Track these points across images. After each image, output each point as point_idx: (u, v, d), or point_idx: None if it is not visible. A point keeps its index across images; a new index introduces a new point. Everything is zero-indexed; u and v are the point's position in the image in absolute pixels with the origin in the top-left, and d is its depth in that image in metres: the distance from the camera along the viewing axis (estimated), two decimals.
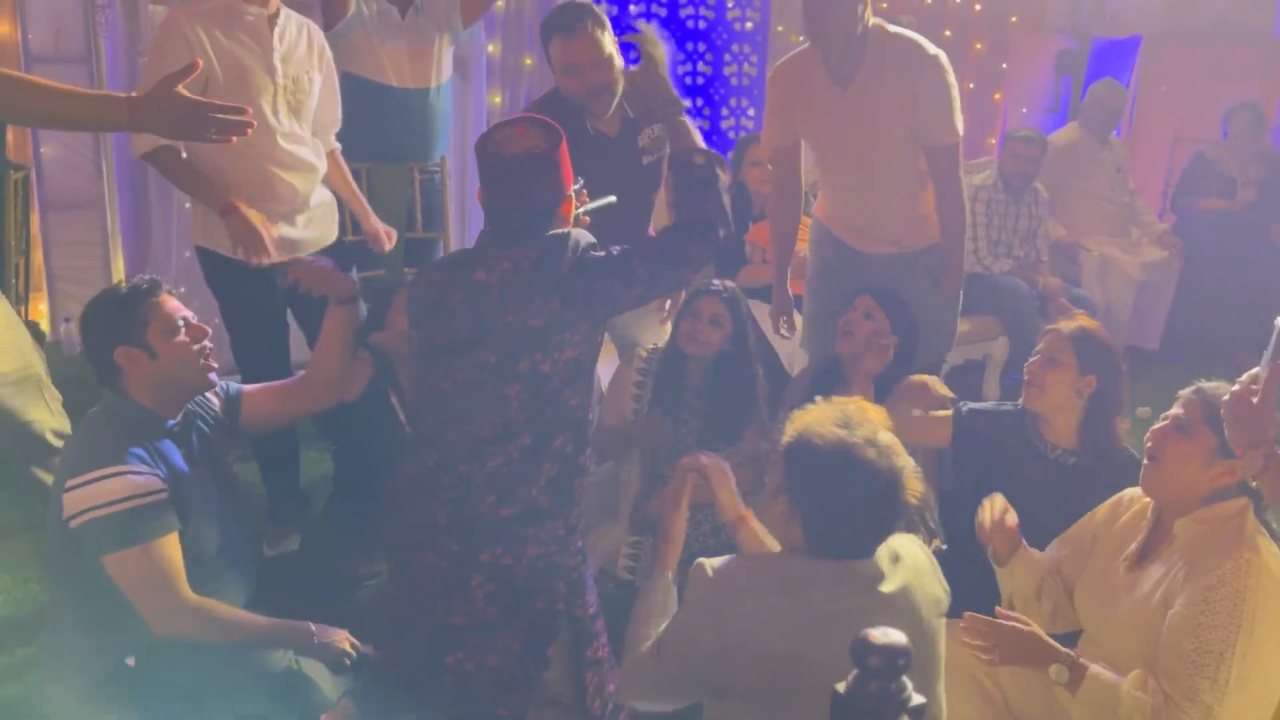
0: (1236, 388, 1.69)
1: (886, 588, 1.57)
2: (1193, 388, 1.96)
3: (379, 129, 3.53)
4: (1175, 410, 1.95)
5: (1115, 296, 4.86)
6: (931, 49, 2.77)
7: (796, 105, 2.92)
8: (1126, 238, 5.06)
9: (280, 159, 2.85)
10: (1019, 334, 4.38)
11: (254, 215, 2.73)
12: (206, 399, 2.22)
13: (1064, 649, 1.85)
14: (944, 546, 2.82)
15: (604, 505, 2.92)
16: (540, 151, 1.94)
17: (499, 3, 4.82)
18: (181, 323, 2.05)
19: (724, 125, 5.57)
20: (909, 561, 1.64)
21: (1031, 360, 2.42)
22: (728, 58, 5.68)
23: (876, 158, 2.86)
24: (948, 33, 5.61)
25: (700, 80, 5.52)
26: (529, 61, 5.04)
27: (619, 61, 2.80)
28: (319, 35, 3.00)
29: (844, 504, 1.54)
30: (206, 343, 2.08)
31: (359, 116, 3.57)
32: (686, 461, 1.99)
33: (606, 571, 2.80)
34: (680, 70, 5.37)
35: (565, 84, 2.78)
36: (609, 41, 2.77)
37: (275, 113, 2.81)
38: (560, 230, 1.99)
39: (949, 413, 2.57)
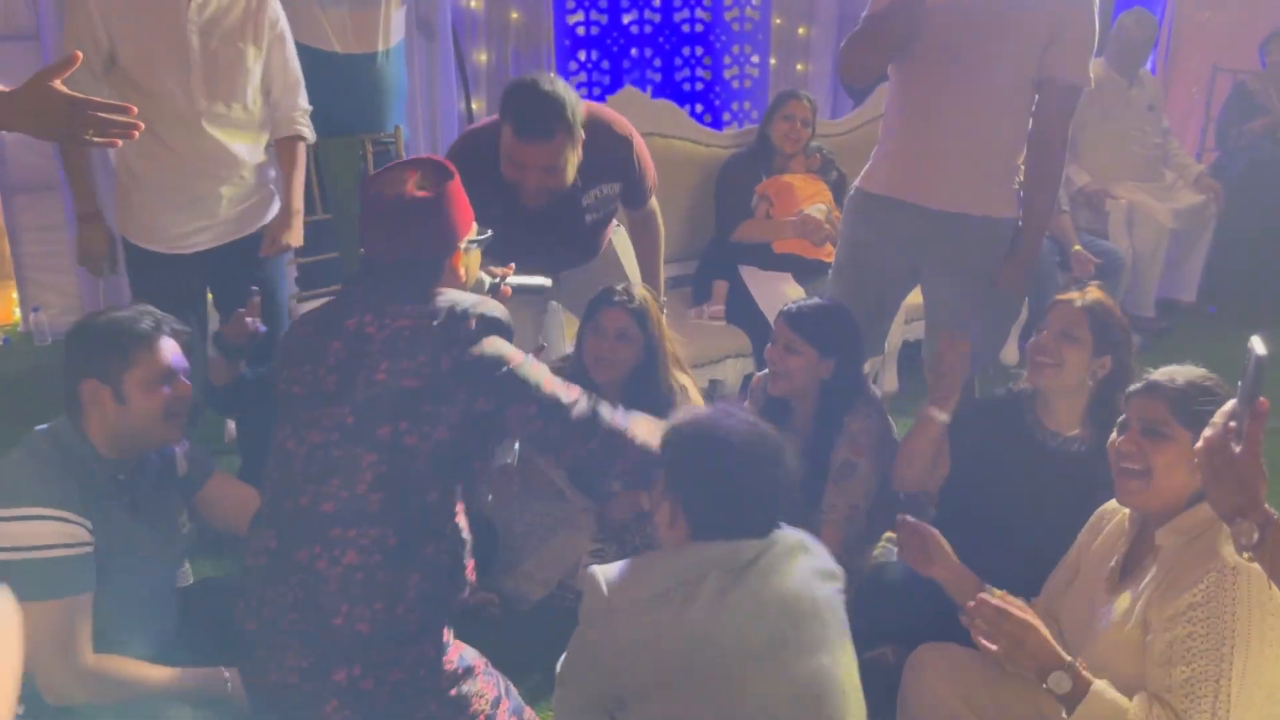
0: (1210, 433, 1.35)
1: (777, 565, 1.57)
2: (1142, 384, 1.72)
3: (323, 99, 3.26)
4: (1133, 415, 1.71)
5: (1145, 247, 4.49)
6: None
7: None
8: (1159, 182, 4.67)
9: (199, 145, 2.58)
10: (1039, 292, 4.04)
11: (102, 238, 2.61)
12: (172, 453, 2.04)
13: (1068, 656, 1.62)
14: None
15: (560, 512, 2.69)
16: (422, 198, 1.71)
17: None
18: (163, 378, 1.88)
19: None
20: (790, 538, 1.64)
21: (1041, 334, 2.19)
22: (728, 60, 5.40)
23: (991, 71, 2.43)
24: None
25: (699, 86, 5.21)
26: (515, 16, 4.76)
27: (573, 168, 2.41)
28: (266, 1, 2.65)
29: (724, 478, 1.57)
30: (188, 402, 1.93)
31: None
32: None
33: (566, 583, 2.58)
34: (678, 77, 5.08)
35: (505, 169, 2.40)
36: (570, 151, 2.36)
37: (189, 93, 2.53)
38: (474, 296, 1.73)
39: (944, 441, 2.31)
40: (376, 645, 1.62)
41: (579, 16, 5.26)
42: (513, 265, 2.12)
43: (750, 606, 1.51)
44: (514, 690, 1.85)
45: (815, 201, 3.67)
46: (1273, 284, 4.67)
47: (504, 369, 1.67)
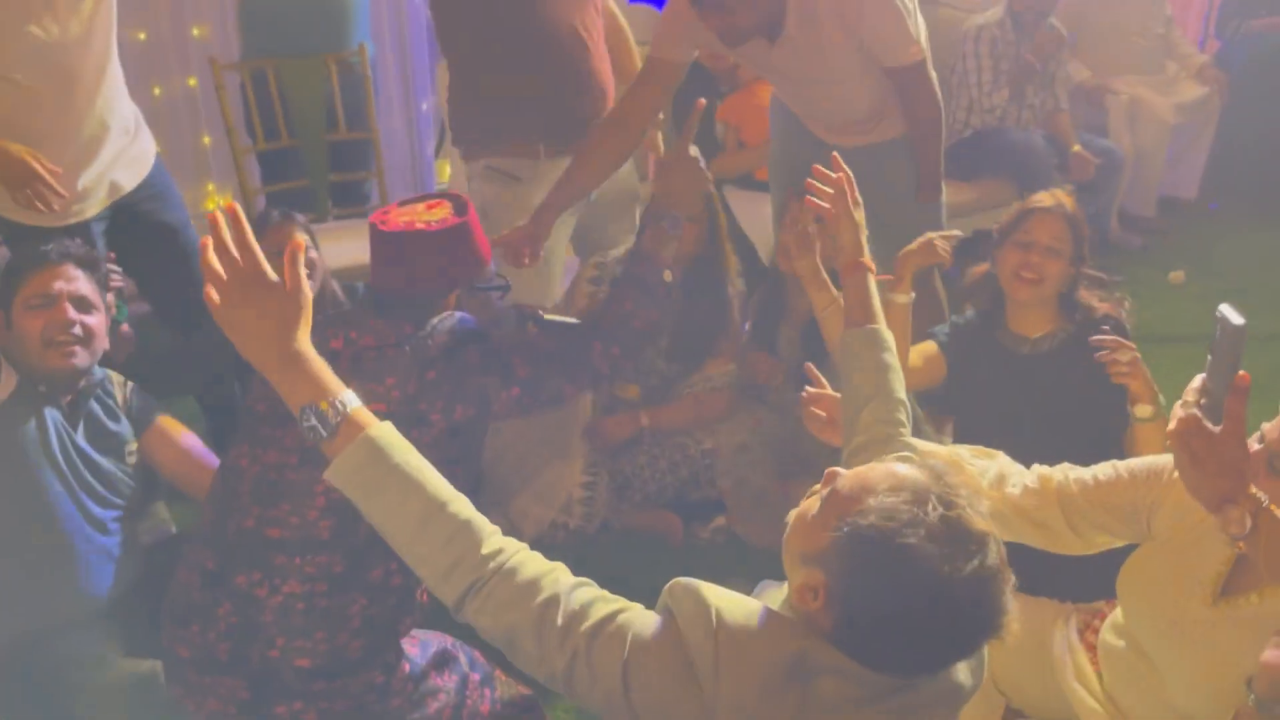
0: (1183, 413, 1.18)
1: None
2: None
3: (280, 16, 3.10)
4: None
5: (1146, 143, 4.33)
6: None
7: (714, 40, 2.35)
8: (1160, 75, 4.48)
9: (62, 79, 2.21)
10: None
11: (16, 148, 2.16)
12: (111, 400, 2.00)
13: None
14: None
15: (552, 441, 2.61)
16: (430, 232, 1.64)
17: None
18: (41, 302, 1.87)
19: None
20: None
21: (1023, 252, 2.11)
22: None
23: (828, 80, 2.42)
24: None
25: None
26: None
27: None
28: None
29: (913, 629, 1.08)
30: (74, 331, 1.87)
31: (256, 3, 3.15)
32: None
33: (558, 522, 2.52)
34: None
35: None
36: None
37: (42, 15, 2.14)
38: (445, 314, 1.66)
39: (934, 347, 2.22)
40: (320, 677, 1.53)
41: None
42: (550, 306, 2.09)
43: None
44: (480, 659, 1.78)
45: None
46: (1276, 178, 4.53)
47: (479, 371, 1.59)
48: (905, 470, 1.13)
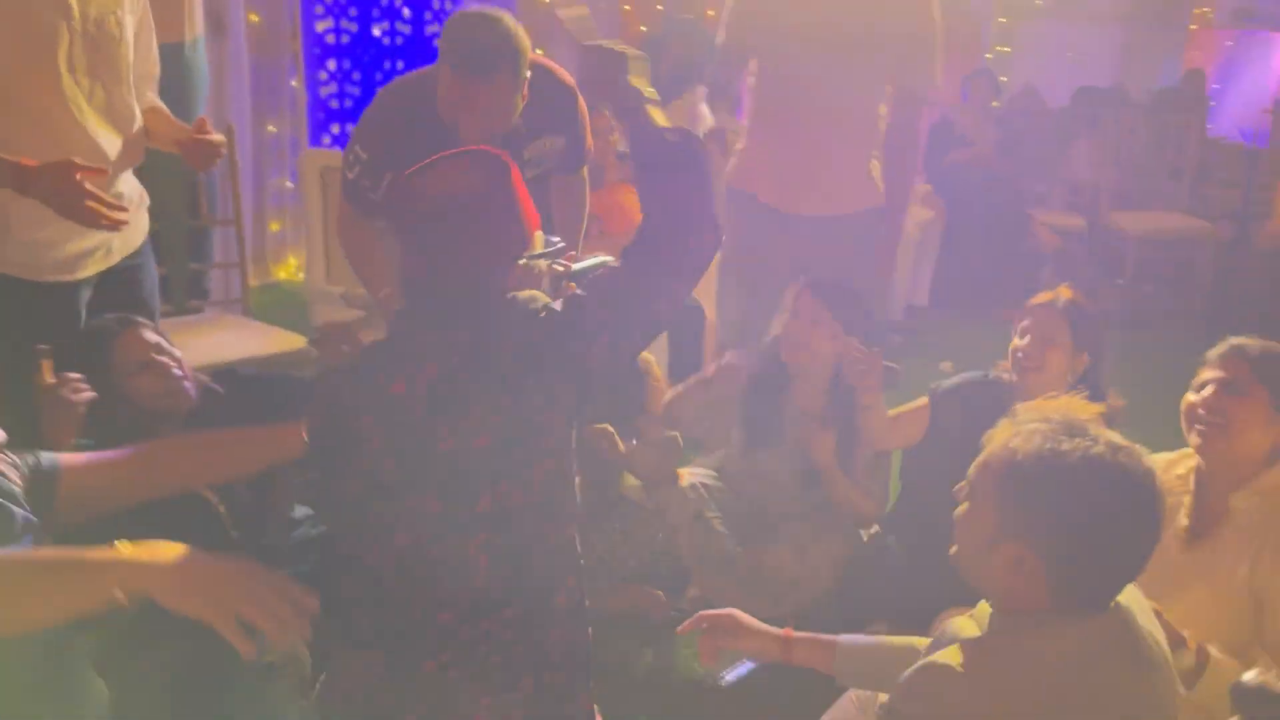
0: None
1: (1140, 631, 1.27)
2: (1226, 345, 1.85)
3: None
4: (1214, 374, 1.84)
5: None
6: None
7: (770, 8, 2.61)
8: None
9: (82, 141, 2.06)
10: None
11: (54, 161, 1.89)
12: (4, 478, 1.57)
13: (1184, 631, 1.61)
14: None
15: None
16: (479, 195, 1.45)
17: None
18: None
19: None
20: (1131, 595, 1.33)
21: (1023, 342, 2.29)
22: None
23: (843, 84, 2.61)
24: None
25: None
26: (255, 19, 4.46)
27: (517, 111, 2.19)
28: None
29: (1114, 540, 1.23)
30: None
31: None
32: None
33: None
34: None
35: (446, 111, 2.16)
36: (518, 94, 2.15)
37: (72, 70, 2.04)
38: (507, 300, 1.49)
39: (924, 401, 2.38)
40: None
41: (328, 24, 4.98)
42: (572, 254, 1.95)
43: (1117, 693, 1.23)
44: None
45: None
46: (988, 288, 5.36)
47: (558, 343, 1.46)
48: (1024, 425, 1.29)
